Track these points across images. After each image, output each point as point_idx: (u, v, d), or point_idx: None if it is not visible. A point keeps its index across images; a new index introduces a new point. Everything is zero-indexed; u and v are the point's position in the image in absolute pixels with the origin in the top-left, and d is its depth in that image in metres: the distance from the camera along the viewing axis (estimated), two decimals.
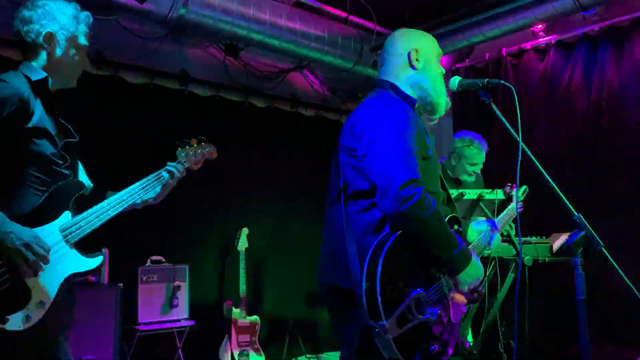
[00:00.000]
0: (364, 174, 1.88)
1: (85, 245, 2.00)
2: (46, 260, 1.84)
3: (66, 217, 1.96)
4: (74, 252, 1.95)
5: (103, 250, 2.06)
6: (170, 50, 4.59)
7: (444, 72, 2.13)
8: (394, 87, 2.05)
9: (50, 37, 2.00)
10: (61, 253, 1.91)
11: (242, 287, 4.45)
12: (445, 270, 1.86)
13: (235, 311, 4.41)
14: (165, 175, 2.19)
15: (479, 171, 3.80)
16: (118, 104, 4.30)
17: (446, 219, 1.96)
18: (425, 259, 1.82)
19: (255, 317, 4.48)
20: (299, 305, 5.08)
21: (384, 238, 1.79)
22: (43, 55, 2.01)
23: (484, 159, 3.75)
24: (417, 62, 2.04)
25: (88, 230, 1.97)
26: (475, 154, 3.69)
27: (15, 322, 1.74)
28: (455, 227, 2.00)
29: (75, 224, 1.96)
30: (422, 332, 1.73)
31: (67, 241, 1.93)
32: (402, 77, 2.06)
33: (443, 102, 2.06)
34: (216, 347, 4.37)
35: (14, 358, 1.80)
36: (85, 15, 2.09)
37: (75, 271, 1.94)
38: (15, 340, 1.76)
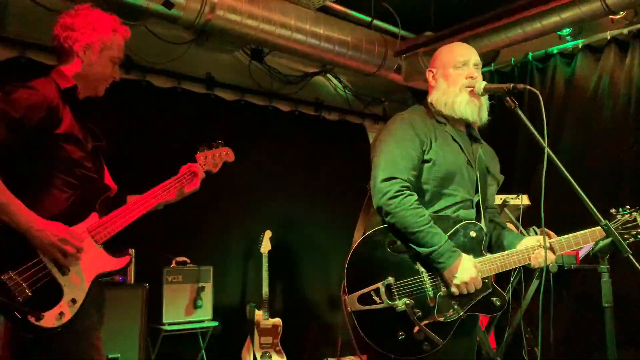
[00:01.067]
0: None
1: (113, 246, 2.06)
2: (81, 251, 1.90)
3: (93, 218, 2.02)
4: (102, 252, 2.01)
5: (130, 250, 2.11)
6: (196, 54, 4.66)
7: (474, 76, 2.17)
8: (425, 102, 2.26)
9: (86, 46, 2.05)
10: (90, 253, 1.96)
11: (265, 289, 4.49)
12: (429, 267, 1.99)
13: (258, 313, 4.44)
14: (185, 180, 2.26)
15: None
16: (146, 107, 4.39)
17: (461, 224, 2.05)
18: (410, 253, 1.99)
19: (277, 319, 4.51)
20: (321, 308, 5.10)
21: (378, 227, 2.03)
22: (77, 62, 2.06)
23: None
24: (434, 81, 2.25)
25: (115, 231, 2.03)
26: None
27: (50, 319, 1.79)
28: (473, 234, 2.04)
29: (102, 224, 2.01)
30: (392, 317, 1.92)
31: (95, 241, 1.98)
32: (429, 98, 2.27)
33: (460, 109, 2.16)
34: (239, 348, 4.41)
35: (51, 356, 1.84)
36: (124, 29, 2.15)
37: (104, 270, 2.00)
38: (52, 338, 1.81)
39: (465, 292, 1.93)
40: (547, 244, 2.07)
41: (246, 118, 4.93)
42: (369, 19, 4.90)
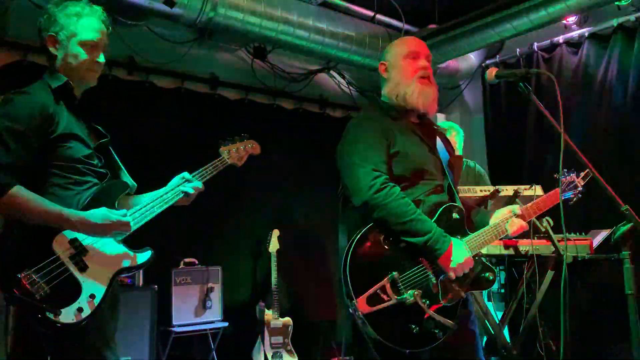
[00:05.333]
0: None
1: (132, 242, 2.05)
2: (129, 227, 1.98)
3: None
4: (122, 247, 2.00)
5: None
6: (199, 54, 4.64)
7: (425, 66, 2.20)
8: (376, 100, 2.30)
9: (52, 40, 2.03)
10: (110, 249, 1.96)
11: (274, 289, 4.45)
12: (425, 256, 1.97)
13: (268, 313, 4.41)
14: (189, 188, 2.19)
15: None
16: (149, 108, 4.36)
17: (443, 207, 2.07)
18: (405, 245, 1.97)
19: (287, 319, 4.47)
20: (331, 306, 5.05)
21: (363, 227, 2.00)
22: (55, 58, 2.05)
23: (457, 143, 4.00)
24: (386, 74, 2.26)
25: (134, 227, 2.01)
26: None
27: (68, 314, 1.80)
28: (455, 215, 2.08)
29: None
30: (402, 312, 1.90)
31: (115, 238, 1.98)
32: (382, 91, 2.29)
33: (412, 99, 2.16)
34: (249, 348, 4.38)
35: (71, 354, 1.84)
36: (89, 9, 2.07)
37: (125, 266, 1.99)
38: (69, 334, 1.81)
39: (461, 274, 1.97)
40: (517, 213, 2.15)
41: (250, 117, 4.89)
42: (372, 13, 4.86)
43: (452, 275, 1.96)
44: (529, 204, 2.21)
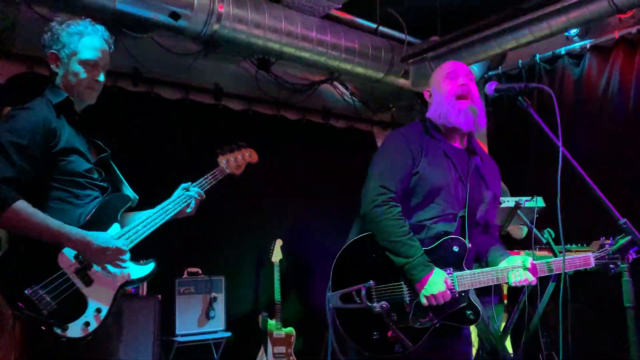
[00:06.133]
0: None
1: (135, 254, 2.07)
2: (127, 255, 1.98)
3: (115, 228, 2.03)
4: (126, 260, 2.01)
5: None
6: (204, 65, 4.69)
7: (465, 83, 2.24)
8: (424, 119, 2.35)
9: (53, 57, 2.07)
10: None
11: (277, 299, 4.47)
12: (405, 276, 2.06)
13: (271, 323, 4.42)
14: (193, 193, 2.24)
15: None
16: (154, 119, 4.40)
17: (445, 238, 2.11)
18: (393, 261, 2.07)
19: (290, 329, 4.48)
20: None
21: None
22: (56, 75, 2.08)
23: None
24: (430, 99, 2.35)
25: (137, 240, 2.04)
26: None
27: (75, 329, 1.81)
28: (455, 248, 2.12)
29: (124, 234, 2.02)
30: (369, 317, 2.00)
31: None
32: (427, 114, 2.35)
33: (452, 118, 2.22)
34: (252, 358, 4.38)
35: None
36: (91, 28, 2.10)
37: (129, 279, 2.01)
38: (79, 348, 1.82)
39: (434, 304, 2.02)
40: (527, 267, 2.11)
41: (254, 128, 4.94)
42: (374, 25, 4.91)
43: (424, 302, 2.02)
44: (545, 261, 2.17)
